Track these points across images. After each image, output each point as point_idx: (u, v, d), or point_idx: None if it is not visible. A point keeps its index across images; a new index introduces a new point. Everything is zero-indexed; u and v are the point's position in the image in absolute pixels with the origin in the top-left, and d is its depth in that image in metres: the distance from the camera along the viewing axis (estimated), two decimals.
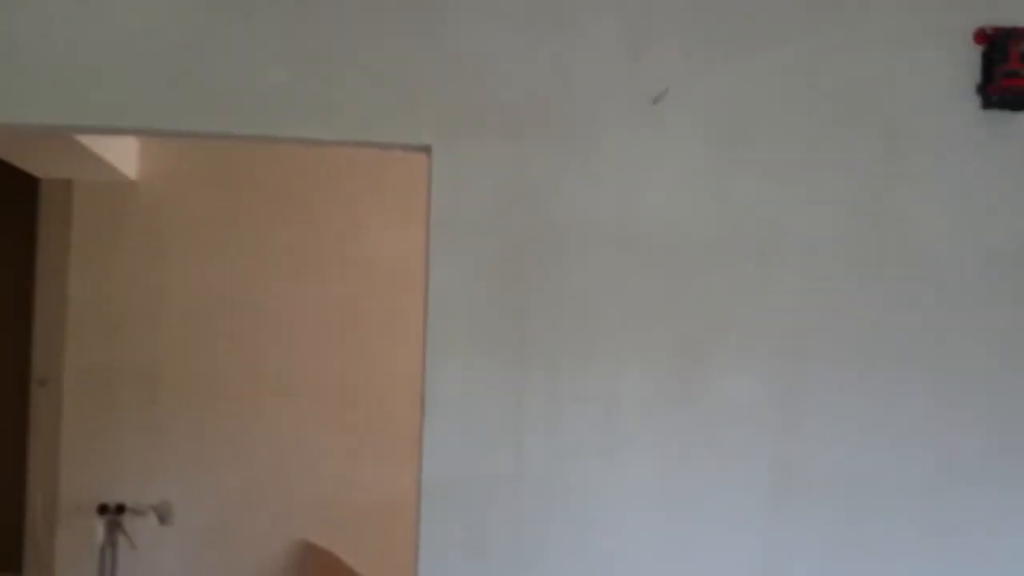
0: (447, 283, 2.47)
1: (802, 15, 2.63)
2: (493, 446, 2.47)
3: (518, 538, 2.46)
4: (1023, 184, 2.68)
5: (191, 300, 4.35)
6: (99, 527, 3.88)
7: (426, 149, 2.49)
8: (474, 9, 2.50)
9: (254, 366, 4.39)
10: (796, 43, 2.61)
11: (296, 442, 4.46)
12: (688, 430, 2.55)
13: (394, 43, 2.46)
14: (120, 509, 3.91)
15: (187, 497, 4.16)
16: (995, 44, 2.61)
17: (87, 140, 3.44)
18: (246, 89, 2.40)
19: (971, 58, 2.65)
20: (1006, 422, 2.67)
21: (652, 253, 2.55)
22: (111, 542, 3.84)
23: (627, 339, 2.54)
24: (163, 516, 4.12)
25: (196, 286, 4.32)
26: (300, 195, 4.46)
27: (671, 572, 2.51)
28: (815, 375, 2.60)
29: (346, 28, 2.44)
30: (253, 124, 2.42)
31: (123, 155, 4.03)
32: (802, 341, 2.59)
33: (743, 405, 2.57)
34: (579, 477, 2.50)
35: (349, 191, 4.50)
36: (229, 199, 4.37)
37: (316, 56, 2.43)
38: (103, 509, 3.91)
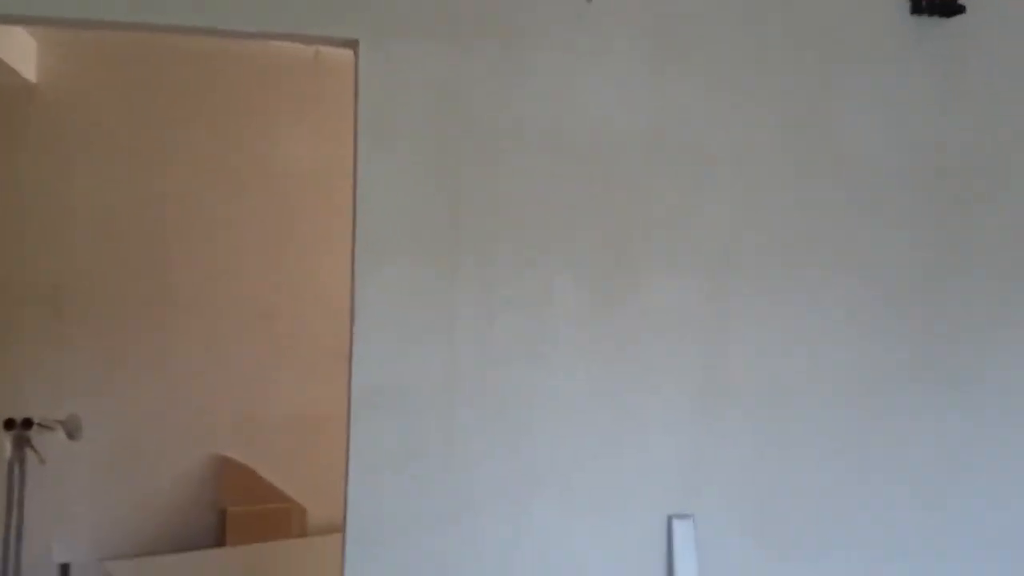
0: (376, 187, 2.39)
1: None
2: (425, 353, 2.42)
3: (451, 446, 2.43)
4: (951, 91, 2.72)
5: (98, 211, 4.15)
6: (6, 442, 3.72)
7: (352, 45, 2.38)
8: None
9: (167, 280, 4.27)
10: None
11: (211, 356, 4.33)
12: (619, 335, 2.55)
13: None
14: (27, 424, 3.75)
15: (98, 412, 4.01)
16: None
17: None
18: None
19: None
20: (925, 335, 2.74)
21: (586, 158, 2.51)
22: (19, 457, 3.69)
23: (560, 245, 2.51)
24: (71, 431, 3.94)
25: (104, 196, 4.14)
26: (215, 104, 4.30)
27: (603, 474, 2.52)
28: (743, 282, 2.62)
29: None
30: (168, 13, 2.26)
31: (21, 55, 3.79)
32: (731, 248, 2.61)
33: (672, 311, 2.58)
34: (512, 383, 2.47)
35: (267, 102, 4.36)
36: (138, 106, 4.17)
37: None
38: (9, 424, 3.74)
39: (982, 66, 2.75)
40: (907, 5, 2.64)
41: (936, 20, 2.65)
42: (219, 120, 4.30)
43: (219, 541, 4.26)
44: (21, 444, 3.76)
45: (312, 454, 4.26)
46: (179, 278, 4.28)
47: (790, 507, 2.60)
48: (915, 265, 2.72)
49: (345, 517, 2.34)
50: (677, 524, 2.48)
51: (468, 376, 2.44)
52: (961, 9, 2.58)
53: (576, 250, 2.51)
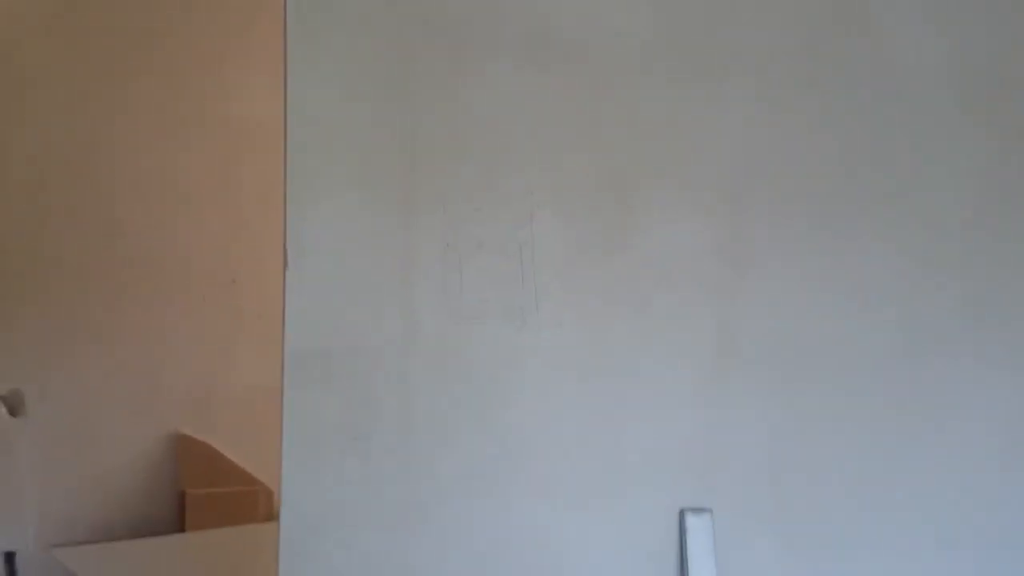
0: (311, 101, 1.92)
1: None
2: (375, 309, 1.97)
3: (409, 424, 1.98)
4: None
5: (33, 164, 3.74)
6: None
7: None
8: None
9: (115, 242, 3.89)
10: None
11: (165, 324, 3.97)
12: (614, 287, 2.08)
13: None
14: None
15: (42, 386, 3.69)
16: None
17: None
18: None
19: None
20: (982, 281, 2.27)
21: (572, 64, 2.04)
22: None
23: (543, 175, 2.04)
24: (13, 407, 3.65)
25: (39, 148, 3.75)
26: (165, 50, 3.94)
27: (598, 459, 2.07)
28: (765, 220, 2.15)
29: None
30: None
31: None
32: (750, 177, 2.13)
33: (679, 256, 2.11)
34: (484, 346, 2.02)
35: (214, 46, 3.98)
36: (75, 48, 3.77)
37: None
38: None
39: None
40: None
41: None
42: (169, 67, 3.94)
43: (178, 526, 3.97)
44: None
45: (278, 430, 3.87)
46: (129, 240, 3.90)
47: (824, 496, 2.15)
48: (970, 201, 2.24)
49: (279, 514, 1.90)
50: (691, 520, 2.03)
51: (430, 337, 1.99)
52: None
53: (562, 182, 2.05)
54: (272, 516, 3.94)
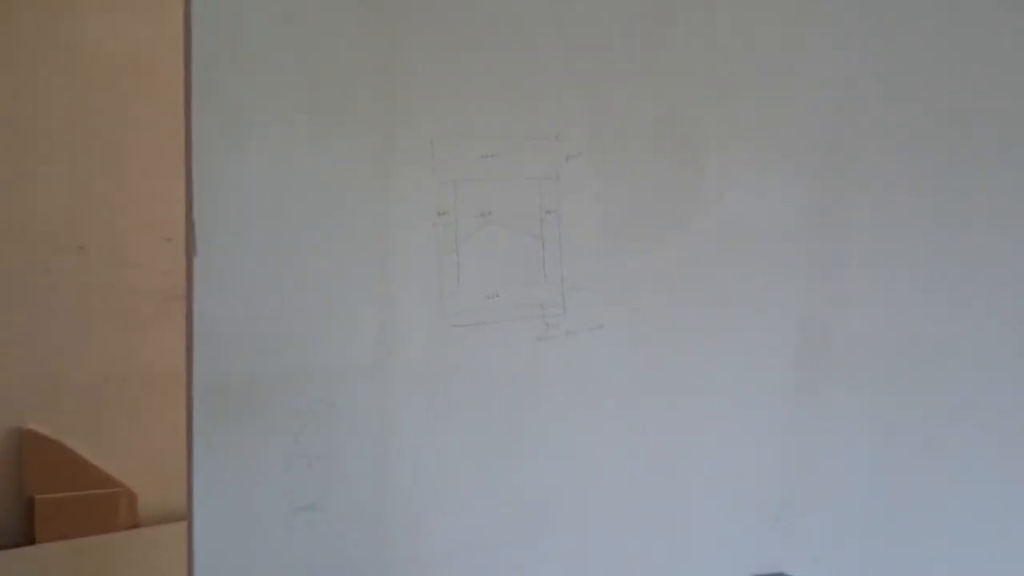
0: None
1: None
2: (334, 312, 1.29)
3: (383, 483, 1.32)
4: None
5: None
6: None
7: None
8: None
9: None
10: None
11: (5, 302, 3.30)
12: (670, 274, 1.46)
13: None
14: None
15: None
16: None
17: None
18: None
19: None
20: None
21: None
22: None
23: (574, 109, 1.40)
24: None
25: None
26: None
27: (645, 514, 1.47)
28: (867, 189, 1.55)
29: None
30: None
31: None
32: (843, 136, 1.54)
33: (756, 232, 1.50)
34: (491, 361, 1.38)
35: None
36: None
37: None
38: None
39: None
40: None
41: None
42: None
43: (27, 536, 3.46)
44: None
45: (142, 424, 3.43)
46: None
47: (946, 555, 1.59)
48: None
49: None
50: None
51: (416, 352, 1.33)
52: None
53: (604, 124, 1.42)
54: (136, 523, 3.51)
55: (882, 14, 1.55)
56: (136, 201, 3.29)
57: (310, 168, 1.26)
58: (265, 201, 1.24)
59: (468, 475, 1.36)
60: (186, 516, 1.39)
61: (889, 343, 1.57)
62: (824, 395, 1.55)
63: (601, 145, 1.41)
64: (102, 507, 3.49)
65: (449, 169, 1.33)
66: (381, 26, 1.27)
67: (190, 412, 1.23)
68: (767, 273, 1.51)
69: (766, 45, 1.48)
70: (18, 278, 3.24)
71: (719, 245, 1.48)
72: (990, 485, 1.64)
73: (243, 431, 1.25)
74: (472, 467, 1.36)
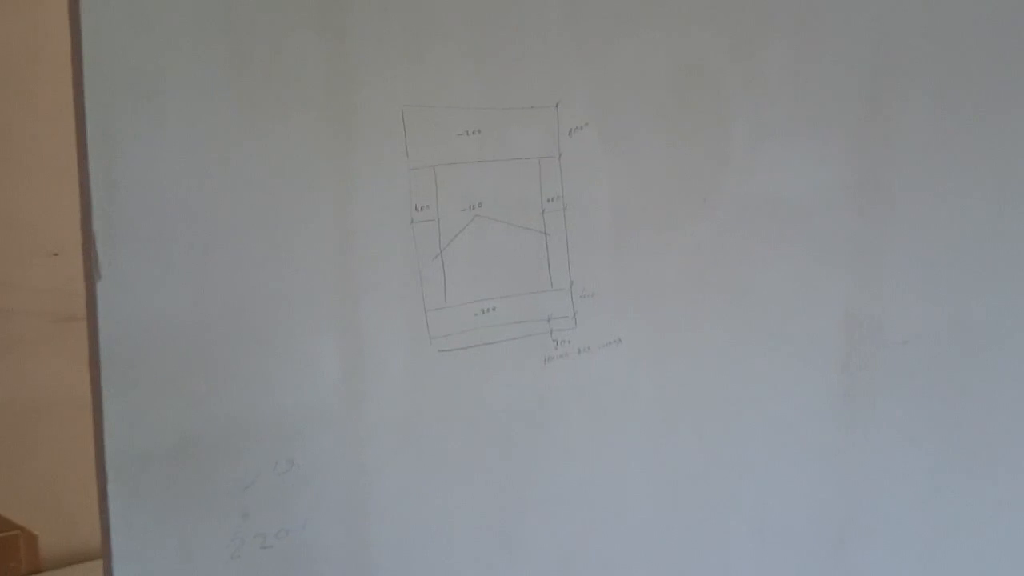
0: None
1: None
2: (286, 334, 0.97)
3: (362, 541, 1.01)
4: None
5: None
6: None
7: None
8: None
9: None
10: None
11: None
12: (701, 265, 1.19)
13: None
14: None
15: None
16: None
17: None
18: None
19: None
20: None
21: None
22: None
23: (579, 67, 1.10)
24: None
25: None
26: None
27: (685, 536, 1.20)
28: (911, 154, 1.30)
29: None
30: None
31: None
32: (886, 89, 1.27)
33: (793, 211, 1.24)
34: (485, 395, 1.08)
35: None
36: None
37: None
38: None
39: None
40: None
41: None
42: None
43: None
44: None
45: (34, 459, 2.96)
46: None
47: None
48: None
49: None
50: None
51: (389, 382, 1.03)
52: None
53: (611, 88, 1.11)
54: (38, 566, 3.06)
55: None
56: (14, 211, 2.87)
57: (244, 156, 0.94)
58: (186, 202, 0.92)
59: (468, 540, 1.07)
60: (94, 555, 1.08)
61: (949, 339, 1.32)
62: (877, 405, 1.30)
63: (609, 112, 1.12)
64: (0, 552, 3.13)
65: (425, 150, 1.03)
66: None
67: (103, 491, 0.91)
68: (807, 260, 1.24)
69: None
70: None
71: (751, 229, 1.20)
72: None
73: (176, 511, 0.93)
74: (472, 529, 1.07)
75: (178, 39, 0.91)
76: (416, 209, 1.03)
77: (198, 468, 0.94)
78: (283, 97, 0.95)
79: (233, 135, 0.93)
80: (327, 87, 0.97)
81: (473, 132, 1.05)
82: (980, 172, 1.31)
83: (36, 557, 3.08)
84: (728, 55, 1.17)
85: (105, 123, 0.88)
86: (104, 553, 0.92)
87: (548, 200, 1.09)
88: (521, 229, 1.08)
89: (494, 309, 1.07)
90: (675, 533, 1.20)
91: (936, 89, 1.28)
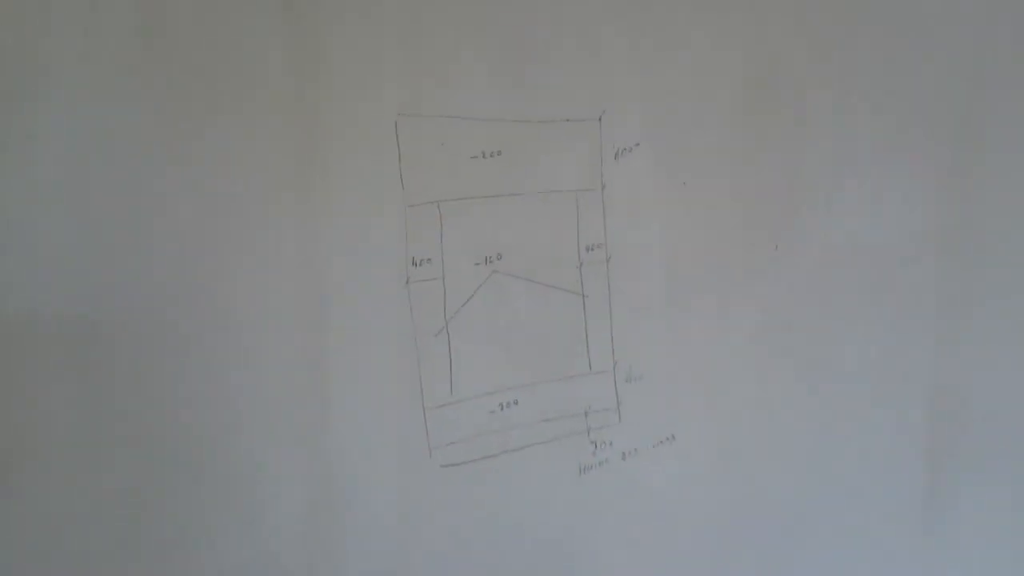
0: None
1: None
2: (231, 454, 0.64)
3: None
4: None
5: None
6: None
7: None
8: None
9: None
10: None
11: None
12: (770, 335, 0.90)
13: None
14: None
15: None
16: None
17: None
18: None
19: None
20: None
21: None
22: None
23: (628, 67, 0.79)
24: None
25: None
26: None
27: None
28: (1006, 190, 1.04)
29: None
30: None
31: None
32: (979, 112, 1.01)
33: (876, 261, 0.96)
34: (517, 497, 0.76)
35: None
36: None
37: None
38: None
39: None
40: None
41: None
42: None
43: None
44: None
45: None
46: None
47: None
48: None
49: None
50: None
51: (376, 517, 0.69)
52: None
53: (669, 99, 0.81)
54: None
55: None
56: None
57: (174, 186, 0.61)
58: (81, 255, 0.58)
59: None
60: None
61: None
62: (964, 500, 1.03)
63: (665, 129, 0.82)
64: None
65: (427, 180, 0.71)
66: None
67: None
68: (891, 323, 0.97)
69: None
70: None
71: (828, 285, 0.92)
72: None
73: None
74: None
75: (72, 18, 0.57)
76: (414, 263, 0.71)
77: None
78: (229, 107, 0.62)
79: (157, 160, 0.60)
80: (287, 85, 0.65)
81: (492, 154, 0.74)
82: None
83: None
84: (807, 57, 0.89)
85: None
86: None
87: (587, 249, 0.79)
88: (552, 289, 0.77)
89: (516, 403, 0.76)
90: None
91: None
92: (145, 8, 0.61)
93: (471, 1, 0.72)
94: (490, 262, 0.75)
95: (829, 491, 0.95)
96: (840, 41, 0.91)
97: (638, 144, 0.81)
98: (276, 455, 0.67)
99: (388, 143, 0.69)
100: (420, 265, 0.71)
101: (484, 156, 0.74)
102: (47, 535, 0.61)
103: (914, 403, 1.00)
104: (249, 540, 0.66)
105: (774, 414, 0.91)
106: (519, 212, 0.75)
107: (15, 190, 0.58)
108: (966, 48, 0.97)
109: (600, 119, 0.79)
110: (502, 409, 0.76)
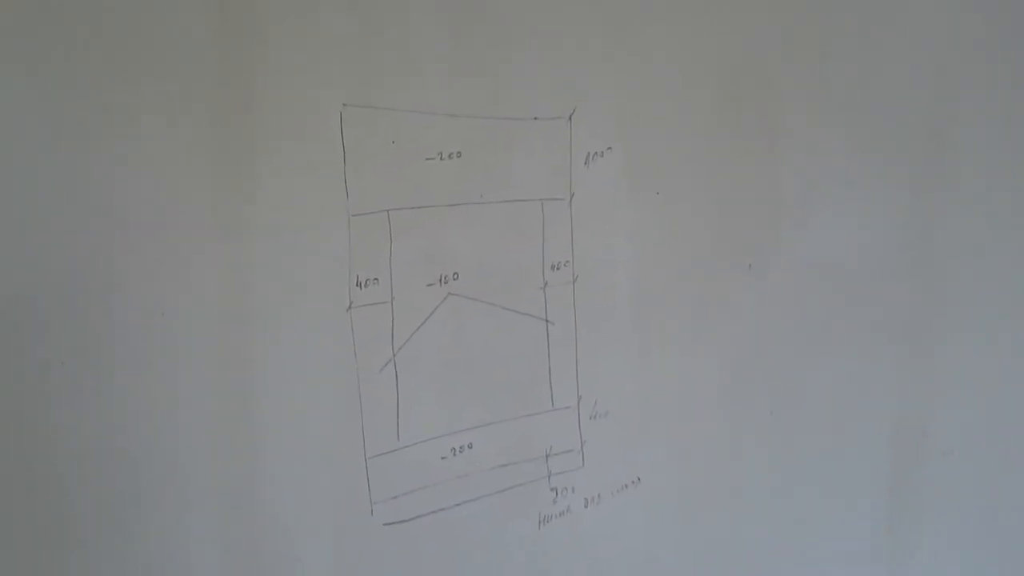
0: None
1: None
2: (143, 511, 0.51)
3: None
4: None
5: None
6: None
7: None
8: None
9: None
10: None
11: None
12: (739, 367, 0.81)
13: None
14: None
15: None
16: None
17: None
18: None
19: None
20: None
21: None
22: None
23: (601, 63, 0.69)
24: None
25: None
26: None
27: None
28: (969, 205, 0.97)
29: None
30: None
31: None
32: (947, 124, 0.94)
33: (848, 282, 0.88)
34: (467, 557, 0.65)
35: None
36: None
37: None
38: None
39: None
40: None
41: None
42: None
43: None
44: None
45: None
46: None
47: None
48: None
49: None
50: None
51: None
52: None
53: (644, 97, 0.71)
54: None
55: None
56: None
57: (69, 184, 0.48)
58: None
59: None
60: None
61: (1002, 450, 1.01)
62: (927, 537, 0.97)
63: (642, 132, 0.72)
64: None
65: (376, 184, 0.59)
66: None
67: None
68: (859, 348, 0.89)
69: None
70: None
71: (800, 307, 0.84)
72: None
73: None
74: None
75: None
76: (358, 285, 0.59)
77: None
78: (130, 87, 0.49)
79: (60, 152, 0.47)
80: (208, 64, 0.52)
81: (450, 155, 0.62)
82: None
83: None
84: (781, 57, 0.80)
85: None
86: None
87: (553, 268, 0.68)
88: (513, 314, 0.67)
89: (470, 446, 0.65)
90: None
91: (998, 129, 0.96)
92: None
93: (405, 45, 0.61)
94: (445, 282, 0.63)
95: (793, 531, 0.87)
96: (822, 34, 0.83)
97: (610, 148, 0.71)
98: (193, 517, 0.54)
99: (331, 139, 0.57)
100: (365, 287, 0.59)
101: (441, 158, 0.62)
102: None
103: (880, 430, 0.93)
104: None
105: (742, 452, 0.82)
106: (479, 224, 0.64)
107: None
108: (939, 66, 0.91)
109: (571, 117, 0.68)
110: (455, 454, 0.65)
